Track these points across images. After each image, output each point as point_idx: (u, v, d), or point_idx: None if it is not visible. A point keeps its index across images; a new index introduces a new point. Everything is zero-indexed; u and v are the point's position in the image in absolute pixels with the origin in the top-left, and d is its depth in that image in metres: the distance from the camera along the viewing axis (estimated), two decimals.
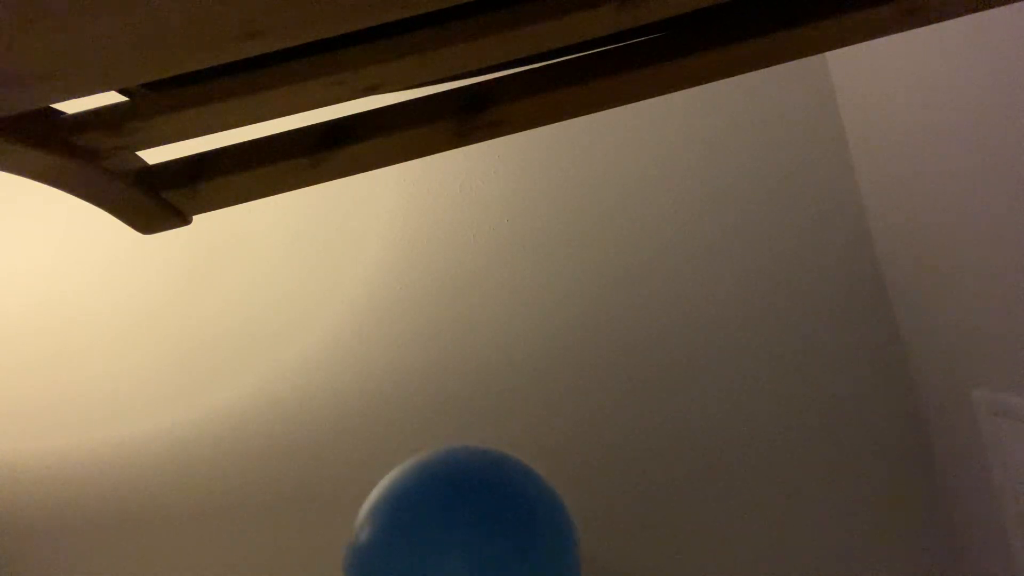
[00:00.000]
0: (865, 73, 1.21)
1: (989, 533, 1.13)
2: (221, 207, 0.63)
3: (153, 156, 0.59)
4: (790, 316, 1.29)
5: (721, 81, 0.61)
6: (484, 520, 0.90)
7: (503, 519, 0.91)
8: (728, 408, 1.28)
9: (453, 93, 0.59)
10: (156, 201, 0.60)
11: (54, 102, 0.44)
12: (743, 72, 0.60)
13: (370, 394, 1.27)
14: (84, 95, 0.44)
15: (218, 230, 1.28)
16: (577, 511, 0.99)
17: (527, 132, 0.62)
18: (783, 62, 0.59)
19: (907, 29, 0.58)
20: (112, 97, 0.51)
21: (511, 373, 1.28)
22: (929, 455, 1.26)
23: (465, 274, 1.30)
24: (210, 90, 0.49)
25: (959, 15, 0.60)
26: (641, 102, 0.61)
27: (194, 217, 0.65)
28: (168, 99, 0.50)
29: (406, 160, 0.63)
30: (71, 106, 0.49)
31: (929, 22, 0.58)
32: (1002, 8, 0.62)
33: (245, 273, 1.30)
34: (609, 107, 0.61)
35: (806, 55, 0.59)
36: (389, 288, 1.30)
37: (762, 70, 0.61)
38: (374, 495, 0.95)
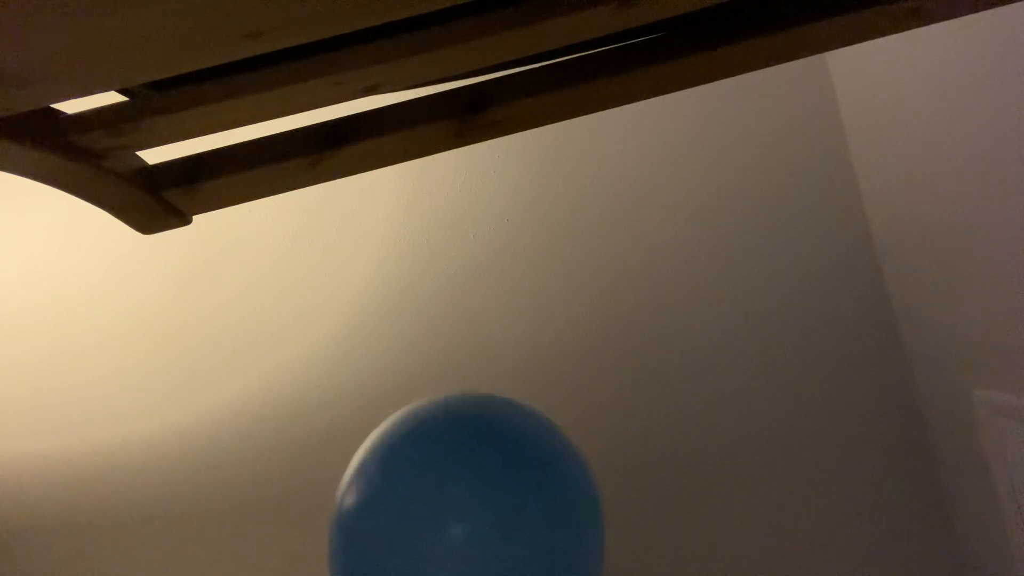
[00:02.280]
0: (865, 73, 1.21)
1: (989, 533, 1.13)
2: (221, 207, 0.63)
3: (153, 156, 0.59)
4: (790, 317, 1.29)
5: (721, 81, 0.61)
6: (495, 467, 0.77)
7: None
8: (727, 409, 1.28)
9: (453, 93, 0.59)
10: (156, 201, 0.60)
11: (54, 102, 0.44)
12: (743, 72, 0.60)
13: (370, 393, 1.27)
14: (84, 95, 0.44)
15: (218, 230, 1.28)
16: None
17: (527, 132, 0.62)
18: (783, 62, 0.59)
19: (907, 29, 0.58)
20: (112, 97, 0.51)
21: (510, 372, 1.28)
22: (930, 455, 1.26)
23: (465, 273, 1.30)
24: (210, 90, 0.49)
25: (959, 15, 0.60)
26: (641, 102, 0.61)
27: (194, 217, 0.65)
28: (168, 99, 0.50)
29: (406, 160, 0.63)
30: (71, 106, 0.49)
31: (929, 22, 0.58)
32: (1001, 8, 0.62)
33: (245, 273, 1.30)
34: (609, 107, 0.61)
35: (806, 55, 0.59)
36: (389, 288, 1.30)
37: (762, 70, 0.61)
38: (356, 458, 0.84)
